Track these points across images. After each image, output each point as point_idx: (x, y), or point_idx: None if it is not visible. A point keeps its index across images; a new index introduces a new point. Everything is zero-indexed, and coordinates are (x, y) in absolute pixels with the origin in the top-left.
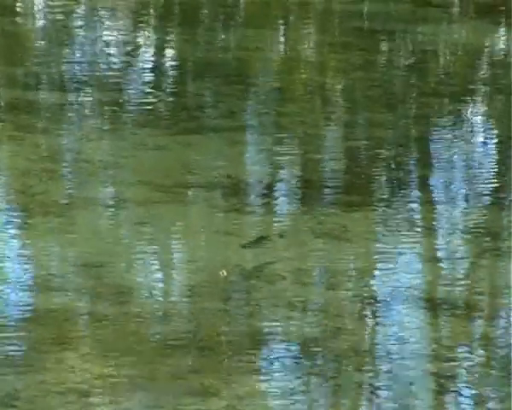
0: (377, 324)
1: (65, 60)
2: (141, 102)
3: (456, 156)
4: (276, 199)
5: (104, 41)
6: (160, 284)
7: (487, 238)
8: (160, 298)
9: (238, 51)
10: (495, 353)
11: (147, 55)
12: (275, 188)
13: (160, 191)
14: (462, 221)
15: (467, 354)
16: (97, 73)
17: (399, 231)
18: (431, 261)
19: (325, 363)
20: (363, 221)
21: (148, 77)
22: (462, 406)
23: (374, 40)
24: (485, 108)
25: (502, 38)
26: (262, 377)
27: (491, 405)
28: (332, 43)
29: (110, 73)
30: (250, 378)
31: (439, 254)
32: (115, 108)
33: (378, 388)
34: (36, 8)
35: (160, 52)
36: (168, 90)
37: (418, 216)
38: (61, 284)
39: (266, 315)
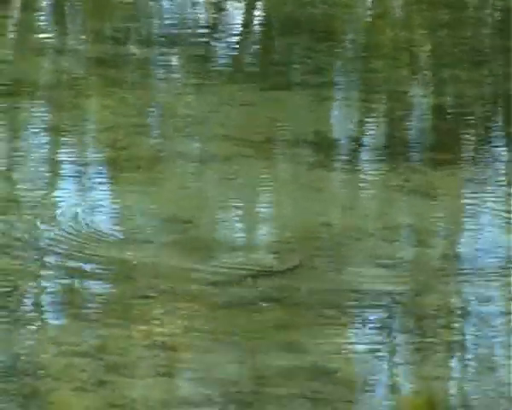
0: (463, 282)
1: (153, 14)
2: (229, 58)
3: None
4: (362, 155)
5: None
6: (246, 240)
7: None
8: (247, 253)
9: (327, 7)
10: None
11: (235, 11)
12: (362, 144)
13: (246, 147)
14: None
15: None
16: (186, 28)
17: (486, 189)
18: None
19: (412, 321)
20: (450, 179)
21: (237, 32)
22: None
23: None
24: None
25: None
26: (348, 334)
27: None
28: (419, 0)
29: (199, 28)
30: (336, 335)
31: None
32: (203, 63)
33: (464, 346)
34: None
35: (248, 8)
36: (256, 45)
37: (505, 173)
38: (148, 238)
39: (353, 272)
